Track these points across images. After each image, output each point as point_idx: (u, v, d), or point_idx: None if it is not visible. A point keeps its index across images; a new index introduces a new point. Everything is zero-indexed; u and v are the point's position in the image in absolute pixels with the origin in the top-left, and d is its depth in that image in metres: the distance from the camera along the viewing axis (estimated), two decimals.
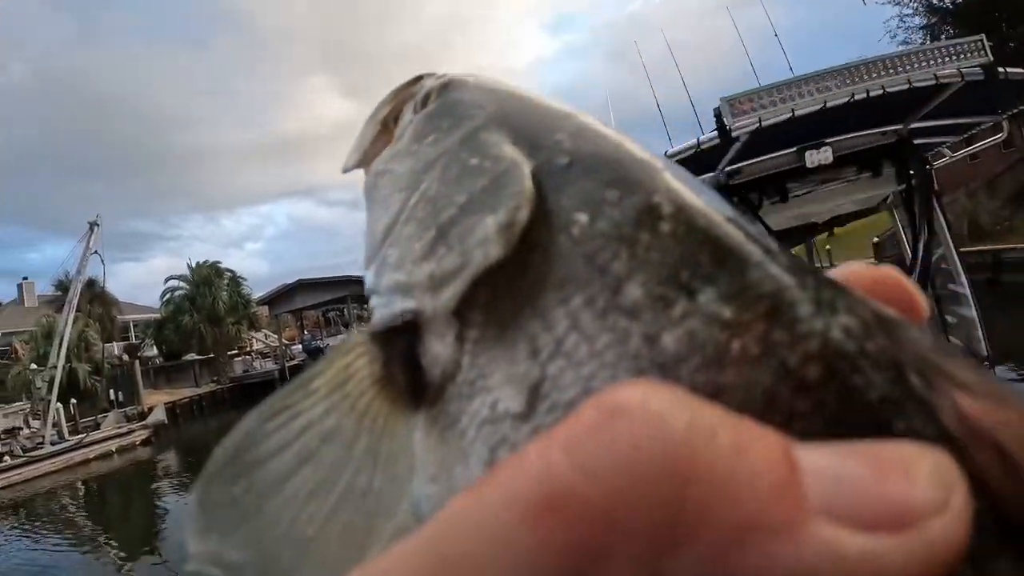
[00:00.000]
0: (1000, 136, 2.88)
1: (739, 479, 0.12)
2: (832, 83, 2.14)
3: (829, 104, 2.09)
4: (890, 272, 0.21)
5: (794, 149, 2.43)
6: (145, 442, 17.86)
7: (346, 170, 0.28)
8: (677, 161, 2.13)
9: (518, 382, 0.18)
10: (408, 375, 0.20)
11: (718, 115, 2.10)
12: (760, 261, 0.18)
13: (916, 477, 0.13)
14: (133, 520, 11.70)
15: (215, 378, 27.55)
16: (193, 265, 29.99)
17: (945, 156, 3.06)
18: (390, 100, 0.27)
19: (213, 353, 27.90)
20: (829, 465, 0.13)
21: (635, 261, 0.18)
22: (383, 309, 0.22)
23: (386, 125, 0.27)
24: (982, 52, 2.14)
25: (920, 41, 19.91)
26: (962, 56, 2.14)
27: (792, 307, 0.17)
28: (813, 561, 0.12)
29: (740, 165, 2.45)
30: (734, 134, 2.09)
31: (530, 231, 0.19)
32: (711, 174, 2.46)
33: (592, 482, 0.12)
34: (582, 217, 0.19)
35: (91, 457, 15.79)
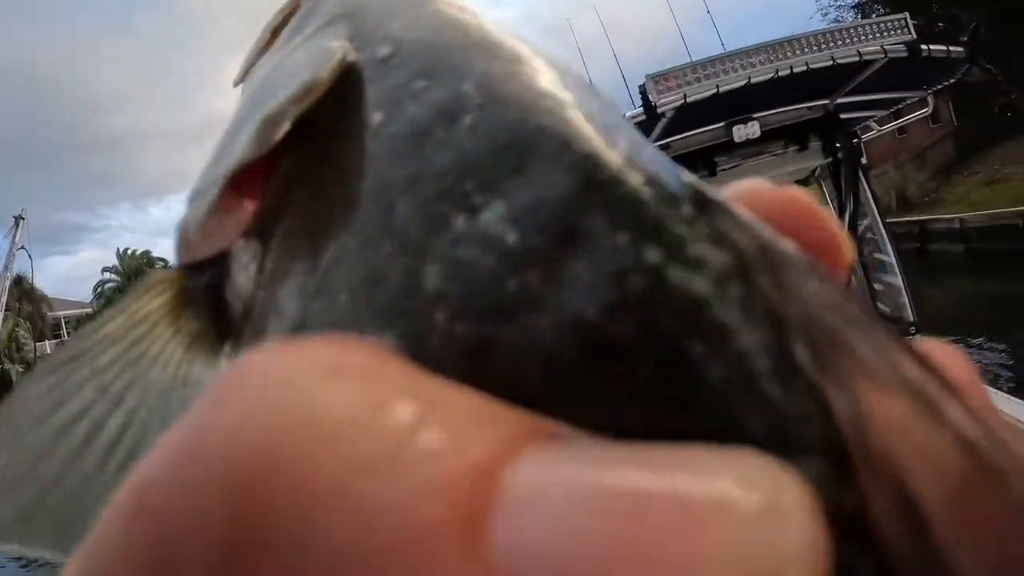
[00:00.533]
0: (926, 111, 2.97)
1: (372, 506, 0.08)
2: (757, 60, 2.17)
3: (754, 80, 2.11)
4: (801, 197, 0.14)
5: (722, 124, 2.46)
6: None
7: (235, 84, 0.24)
8: None
9: (287, 322, 0.14)
10: (210, 315, 0.17)
11: (643, 92, 2.11)
12: (581, 158, 0.11)
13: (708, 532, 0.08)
14: None
15: None
16: (123, 255, 29.13)
17: (873, 130, 3.14)
18: (287, 7, 0.23)
19: None
20: (556, 494, 0.08)
21: (418, 170, 0.12)
22: (186, 225, 0.18)
23: (275, 34, 0.23)
24: (906, 30, 2.20)
25: (852, 20, 20.53)
26: (886, 33, 2.20)
27: (612, 230, 0.10)
28: None
29: (669, 140, 2.46)
30: (660, 110, 2.09)
31: (321, 137, 0.15)
32: None
33: (175, 483, 0.09)
34: (377, 116, 0.14)
35: None
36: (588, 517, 0.07)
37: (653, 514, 0.07)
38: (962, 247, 13.69)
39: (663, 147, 2.49)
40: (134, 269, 27.90)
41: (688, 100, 2.09)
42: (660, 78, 2.07)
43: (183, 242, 0.18)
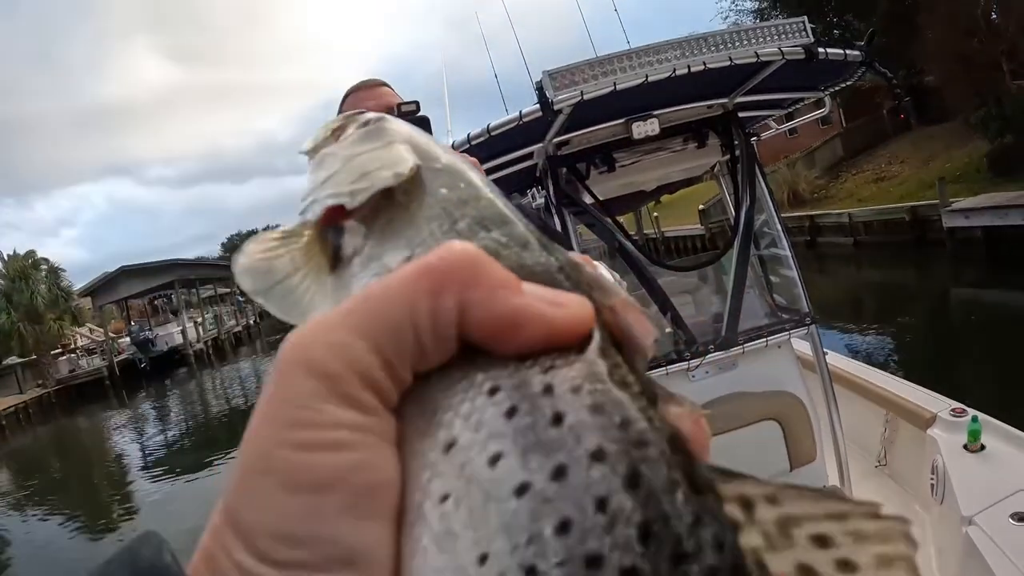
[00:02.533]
0: (823, 111, 3.05)
1: (497, 271, 0.23)
2: (654, 58, 2.14)
3: (651, 79, 2.08)
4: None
5: (622, 120, 2.44)
6: None
7: (301, 152, 0.36)
8: (502, 133, 1.99)
9: (401, 251, 0.27)
10: (332, 249, 0.29)
11: (540, 88, 2.05)
12: None
13: (570, 298, 0.23)
14: None
15: (40, 381, 25.14)
16: (5, 257, 26.95)
17: (771, 128, 3.20)
18: (340, 120, 0.36)
19: (35, 354, 25.41)
20: (531, 286, 0.23)
21: (456, 217, 0.28)
22: (318, 206, 0.30)
23: (334, 133, 0.35)
24: (803, 33, 2.24)
25: (751, 23, 21.38)
26: (784, 36, 2.23)
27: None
28: (528, 302, 0.22)
29: (568, 136, 2.43)
30: (556, 107, 2.03)
31: (411, 190, 0.29)
32: (540, 144, 2.43)
33: (443, 263, 0.23)
34: (442, 191, 0.29)
35: None
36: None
37: None
38: (851, 240, 14.51)
39: (563, 142, 2.45)
40: (18, 271, 25.98)
41: (585, 97, 2.04)
42: (557, 75, 2.02)
43: (328, 214, 0.30)
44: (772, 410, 2.34)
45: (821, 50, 2.22)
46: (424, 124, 1.07)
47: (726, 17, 21.86)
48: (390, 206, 0.29)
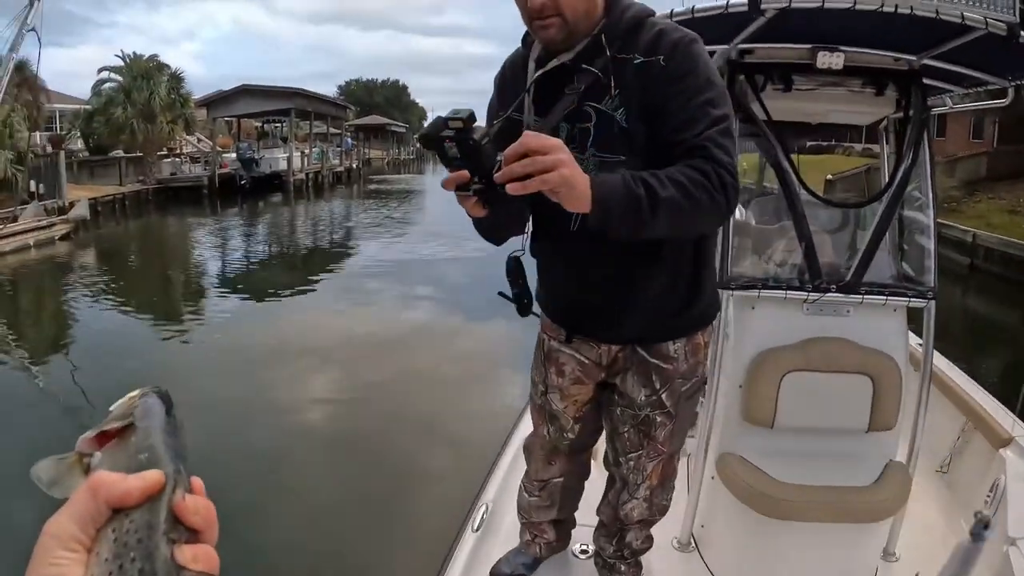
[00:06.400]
0: (1004, 101, 2.88)
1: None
2: None
3: (858, 7, 2.04)
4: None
5: (809, 46, 2.40)
6: (64, 238, 17.10)
7: None
8: (704, 19, 1.98)
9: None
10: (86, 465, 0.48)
11: None
12: None
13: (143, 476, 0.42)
14: (44, 321, 11.24)
15: (141, 178, 26.27)
16: (125, 58, 27.73)
17: (947, 105, 3.07)
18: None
19: (142, 152, 26.54)
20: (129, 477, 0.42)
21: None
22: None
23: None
24: (1012, 11, 2.14)
25: None
26: (991, 6, 2.14)
27: None
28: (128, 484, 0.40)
29: (754, 45, 2.40)
30: (762, 7, 2.02)
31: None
32: (724, 46, 2.41)
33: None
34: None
35: (6, 250, 14.86)
36: None
37: None
38: (968, 260, 13.79)
39: (748, 51, 2.42)
40: (142, 71, 26.96)
41: (792, 6, 2.02)
42: None
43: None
44: (870, 367, 2.35)
45: (1023, 32, 2.14)
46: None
47: None
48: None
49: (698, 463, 2.46)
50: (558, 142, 1.18)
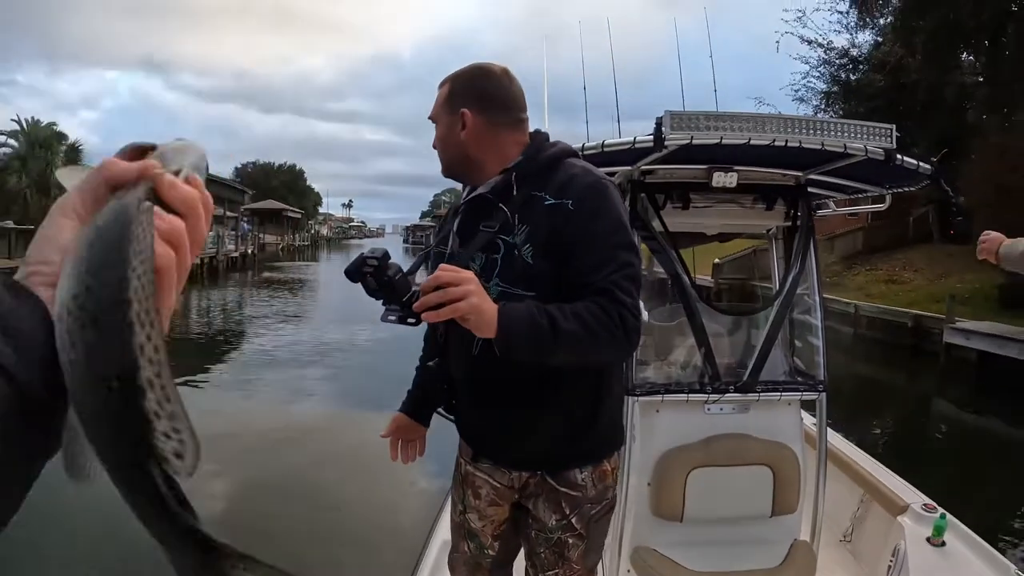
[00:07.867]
0: (882, 206, 3.19)
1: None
2: (758, 125, 2.35)
3: (753, 142, 2.28)
4: None
5: (705, 167, 2.63)
6: None
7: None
8: (612, 152, 2.19)
9: None
10: None
11: (658, 124, 2.23)
12: None
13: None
14: None
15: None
16: (22, 123, 26.58)
17: (830, 208, 3.35)
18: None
19: (35, 225, 25.06)
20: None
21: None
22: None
23: None
24: (889, 139, 2.42)
25: (816, 104, 21.22)
26: (872, 137, 2.41)
27: None
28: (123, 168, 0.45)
29: (655, 167, 2.63)
30: (666, 143, 2.24)
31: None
32: (628, 168, 2.63)
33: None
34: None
35: None
36: None
37: None
38: (852, 330, 14.71)
39: (649, 171, 2.64)
40: (39, 139, 25.85)
41: (693, 142, 2.24)
42: (678, 117, 2.22)
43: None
44: (769, 458, 2.52)
45: (899, 156, 2.44)
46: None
47: (797, 91, 21.77)
48: None
49: (613, 558, 2.55)
50: (469, 274, 1.35)
